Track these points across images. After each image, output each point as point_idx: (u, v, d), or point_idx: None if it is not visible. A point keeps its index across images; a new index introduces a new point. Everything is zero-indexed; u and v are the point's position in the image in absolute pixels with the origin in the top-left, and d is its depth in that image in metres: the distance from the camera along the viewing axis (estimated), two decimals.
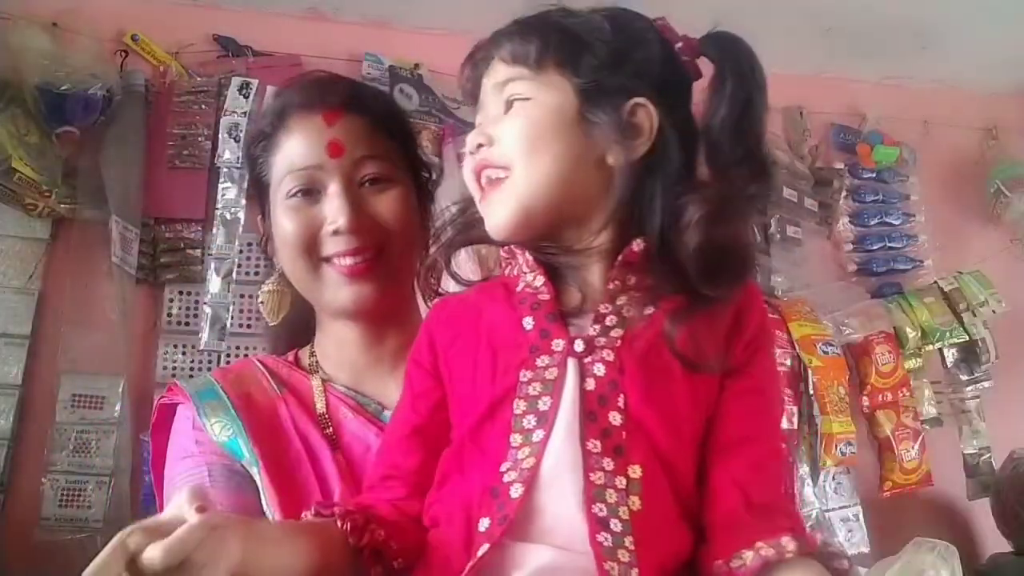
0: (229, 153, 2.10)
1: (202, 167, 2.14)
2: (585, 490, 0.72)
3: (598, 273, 0.80)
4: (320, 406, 1.03)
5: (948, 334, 2.48)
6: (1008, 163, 2.71)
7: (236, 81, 2.13)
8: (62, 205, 2.01)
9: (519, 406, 0.76)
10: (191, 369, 2.06)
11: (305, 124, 1.03)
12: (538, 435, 0.75)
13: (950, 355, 2.56)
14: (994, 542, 2.39)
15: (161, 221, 2.13)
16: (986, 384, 2.54)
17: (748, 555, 0.71)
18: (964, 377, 2.55)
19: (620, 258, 0.79)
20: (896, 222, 2.64)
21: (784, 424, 2.15)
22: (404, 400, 0.87)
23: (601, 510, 0.71)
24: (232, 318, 2.08)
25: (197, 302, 2.11)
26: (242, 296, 2.10)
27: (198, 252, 2.12)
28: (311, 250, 1.02)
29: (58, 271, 2.06)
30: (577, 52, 0.82)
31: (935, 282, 2.56)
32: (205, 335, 2.05)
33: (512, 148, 0.80)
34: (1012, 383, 2.59)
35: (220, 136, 2.11)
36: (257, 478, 0.96)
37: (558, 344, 0.78)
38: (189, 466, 0.99)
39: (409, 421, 0.85)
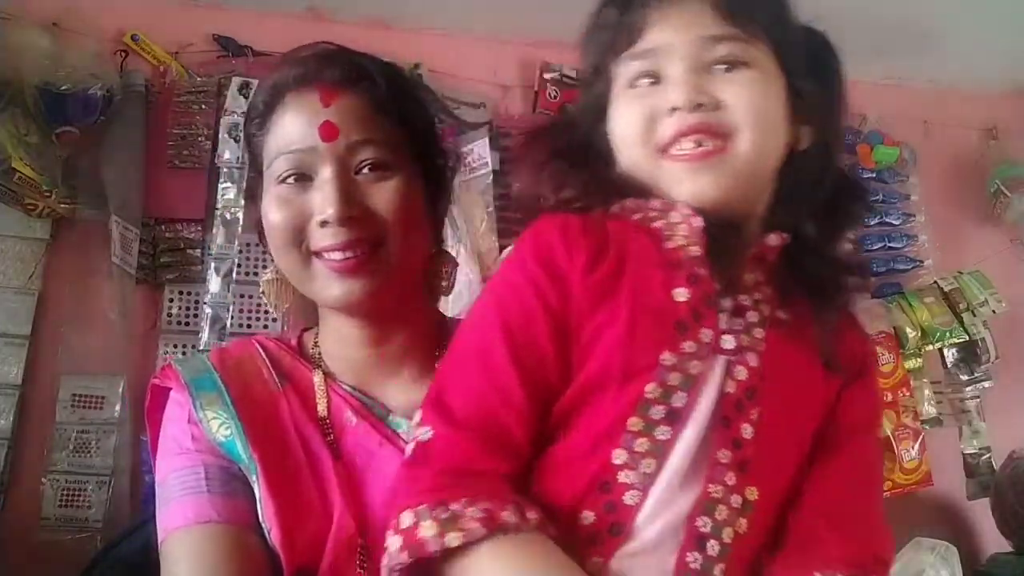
0: (229, 153, 2.10)
1: (202, 167, 2.14)
2: (698, 500, 0.67)
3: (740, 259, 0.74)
4: (322, 408, 0.95)
5: (948, 334, 2.48)
6: (1008, 163, 2.70)
7: (236, 81, 2.13)
8: (62, 205, 2.01)
9: (653, 391, 0.69)
10: None
11: (300, 102, 0.94)
12: (663, 432, 0.69)
13: (950, 355, 2.56)
14: (994, 542, 2.38)
15: (161, 221, 2.13)
16: (986, 384, 2.54)
17: None
18: (964, 377, 2.55)
19: (755, 250, 0.75)
20: (896, 222, 2.63)
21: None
22: (512, 327, 0.72)
23: (705, 525, 0.67)
24: (232, 318, 2.08)
25: (197, 302, 2.11)
26: (242, 296, 2.10)
27: (198, 252, 2.12)
28: (299, 242, 0.93)
29: (58, 271, 2.06)
30: (781, 24, 0.78)
31: (935, 282, 2.56)
32: (205, 335, 2.05)
33: (742, 116, 0.73)
34: (1012, 383, 2.59)
35: (220, 136, 2.12)
36: (255, 485, 0.89)
37: (706, 334, 0.71)
38: (183, 465, 0.91)
39: (520, 358, 0.71)
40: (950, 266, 2.61)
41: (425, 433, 0.71)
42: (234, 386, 0.95)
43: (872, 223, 2.61)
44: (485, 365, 0.72)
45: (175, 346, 2.08)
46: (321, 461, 0.91)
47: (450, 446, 0.70)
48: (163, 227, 2.13)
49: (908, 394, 2.41)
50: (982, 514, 2.45)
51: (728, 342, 0.71)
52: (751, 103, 0.73)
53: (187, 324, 2.10)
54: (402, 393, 0.95)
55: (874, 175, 2.63)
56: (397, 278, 0.94)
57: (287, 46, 1.03)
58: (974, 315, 2.49)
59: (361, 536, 0.86)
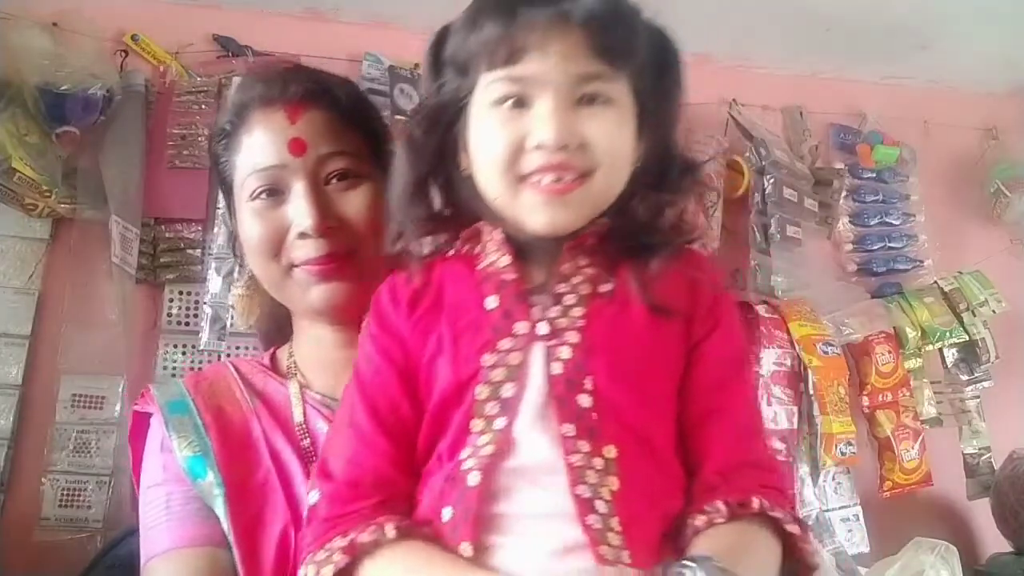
0: None
1: (202, 167, 2.14)
2: (567, 473, 0.71)
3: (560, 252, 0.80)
4: (298, 415, 0.99)
5: (948, 334, 2.48)
6: (1008, 163, 2.71)
7: (236, 81, 2.13)
8: (62, 205, 2.01)
9: (482, 391, 0.75)
10: (191, 369, 2.06)
11: (266, 120, 0.98)
12: (500, 422, 0.74)
13: (950, 355, 2.56)
14: (994, 542, 2.39)
15: (161, 221, 2.13)
16: (986, 384, 2.54)
17: (698, 519, 0.72)
18: (964, 377, 2.55)
19: (573, 241, 0.79)
20: (896, 222, 2.63)
21: (785, 422, 2.17)
22: (367, 388, 0.82)
23: (584, 491, 0.71)
24: (232, 318, 2.08)
25: (197, 302, 2.11)
26: None
27: (198, 252, 2.12)
28: (279, 255, 0.97)
29: (58, 271, 2.06)
30: (640, 53, 0.80)
31: (935, 282, 2.56)
32: (205, 335, 2.05)
33: (601, 156, 0.76)
34: (1012, 383, 2.59)
35: None
36: (219, 501, 0.92)
37: (521, 327, 0.77)
38: (157, 496, 0.96)
39: (378, 411, 0.80)
40: (950, 266, 2.61)
41: (312, 497, 0.79)
42: (206, 407, 0.99)
43: (872, 223, 2.62)
44: (351, 426, 0.81)
45: (175, 346, 2.08)
46: (292, 470, 0.95)
47: (329, 499, 0.77)
48: (163, 227, 2.13)
49: (908, 394, 2.41)
50: (982, 514, 2.45)
51: (543, 327, 0.76)
52: (610, 143, 0.77)
53: (187, 324, 2.10)
54: None
55: (874, 175, 2.63)
56: (371, 282, 0.95)
57: (287, 46, 1.05)
58: (974, 315, 2.49)
59: None
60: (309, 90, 0.98)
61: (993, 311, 2.49)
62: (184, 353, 2.08)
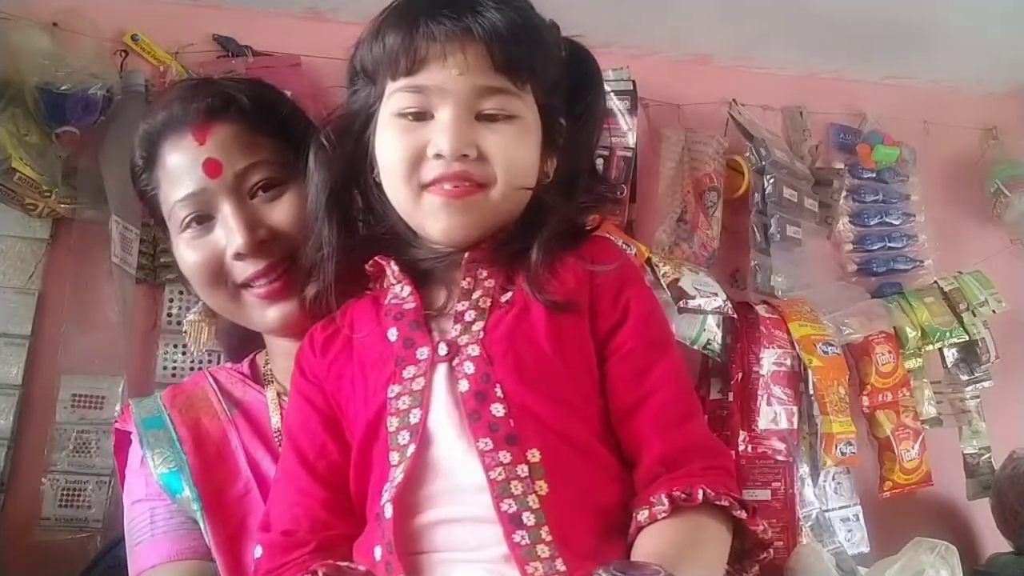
0: None
1: None
2: (489, 490, 0.71)
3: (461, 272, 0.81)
4: (276, 421, 0.99)
5: (948, 334, 2.48)
6: (1008, 163, 2.70)
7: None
8: (62, 205, 2.00)
9: (392, 423, 0.75)
10: (191, 369, 2.05)
11: (176, 146, 0.96)
12: (411, 450, 0.73)
13: (950, 355, 2.55)
14: (994, 542, 2.39)
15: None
16: (986, 384, 2.54)
17: (641, 514, 0.71)
18: (964, 377, 2.55)
19: (468, 255, 0.80)
20: (896, 222, 2.63)
21: (785, 423, 2.17)
22: (295, 436, 0.83)
23: (510, 506, 0.70)
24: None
25: (197, 302, 2.10)
26: None
27: None
28: (221, 279, 0.96)
29: (58, 271, 2.06)
30: (548, 70, 0.82)
31: (935, 282, 2.56)
32: (205, 335, 2.05)
33: (500, 169, 0.78)
34: (1012, 383, 2.58)
35: None
36: (198, 515, 0.93)
37: (423, 352, 0.77)
38: (139, 513, 0.97)
39: (306, 458, 0.81)
40: (950, 266, 2.60)
41: (256, 551, 0.80)
42: (182, 421, 0.99)
43: (872, 223, 2.61)
44: (284, 476, 0.83)
45: (175, 346, 2.08)
46: (271, 477, 0.94)
47: (268, 551, 0.78)
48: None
49: (908, 394, 2.40)
50: (982, 514, 2.45)
51: (443, 349, 0.76)
52: (510, 156, 0.78)
53: None
54: None
55: (874, 175, 2.63)
56: None
57: (287, 46, 1.05)
58: (974, 315, 2.48)
59: None
60: (211, 106, 0.96)
61: (993, 311, 2.49)
62: (184, 353, 2.07)
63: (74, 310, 2.03)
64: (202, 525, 0.93)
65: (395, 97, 0.80)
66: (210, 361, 2.04)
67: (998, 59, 2.56)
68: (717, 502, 0.71)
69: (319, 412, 0.82)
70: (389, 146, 0.80)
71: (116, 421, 1.05)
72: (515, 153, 0.79)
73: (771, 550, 0.76)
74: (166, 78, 2.17)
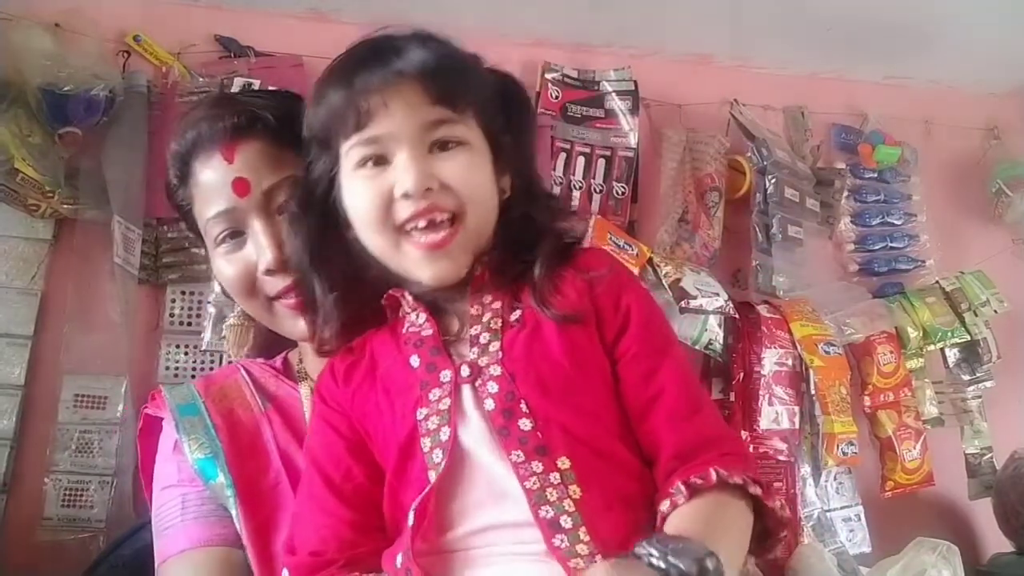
0: None
1: None
2: (526, 498, 0.74)
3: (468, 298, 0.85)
4: (309, 416, 0.99)
5: (950, 334, 2.48)
6: (1010, 163, 2.70)
7: (238, 82, 2.13)
8: (65, 206, 2.01)
9: (425, 444, 0.78)
10: (193, 369, 2.06)
11: (207, 165, 0.98)
12: (443, 465, 0.77)
13: (952, 355, 2.55)
14: (995, 542, 2.39)
15: (163, 221, 2.12)
16: (988, 384, 2.54)
17: (664, 505, 0.74)
18: (966, 377, 2.55)
19: (471, 288, 0.85)
20: (898, 222, 2.63)
21: (787, 422, 2.17)
22: (319, 460, 0.86)
23: (548, 512, 0.73)
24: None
25: (200, 302, 2.11)
26: None
27: (201, 252, 2.11)
28: (255, 292, 1.00)
29: (61, 272, 2.06)
30: (482, 92, 0.87)
31: (937, 282, 2.56)
32: (207, 335, 2.05)
33: (464, 195, 0.82)
34: (1014, 383, 2.59)
35: None
36: (231, 502, 0.95)
37: (445, 375, 0.80)
38: (170, 497, 0.98)
39: (332, 481, 0.84)
40: (952, 266, 2.61)
41: (283, 574, 0.83)
42: (216, 410, 1.01)
43: (874, 223, 2.62)
44: (310, 498, 0.85)
45: (177, 346, 2.08)
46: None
47: (297, 572, 0.81)
48: (166, 227, 2.13)
49: (910, 394, 2.41)
50: (984, 514, 2.45)
51: (465, 371, 0.80)
52: (469, 180, 0.82)
53: (190, 324, 2.10)
54: None
55: (876, 175, 2.63)
56: None
57: (289, 47, 1.06)
58: (976, 315, 2.48)
59: None
60: (238, 124, 0.98)
61: (995, 311, 2.49)
62: (186, 353, 2.08)
63: (76, 310, 2.03)
64: (234, 512, 0.94)
65: (352, 153, 0.84)
66: (212, 364, 2.05)
67: (999, 59, 2.57)
68: (731, 480, 0.75)
69: (344, 438, 0.85)
70: (358, 195, 0.84)
71: (146, 405, 1.06)
72: (472, 176, 0.83)
73: (787, 531, 0.80)
74: (168, 79, 2.17)
